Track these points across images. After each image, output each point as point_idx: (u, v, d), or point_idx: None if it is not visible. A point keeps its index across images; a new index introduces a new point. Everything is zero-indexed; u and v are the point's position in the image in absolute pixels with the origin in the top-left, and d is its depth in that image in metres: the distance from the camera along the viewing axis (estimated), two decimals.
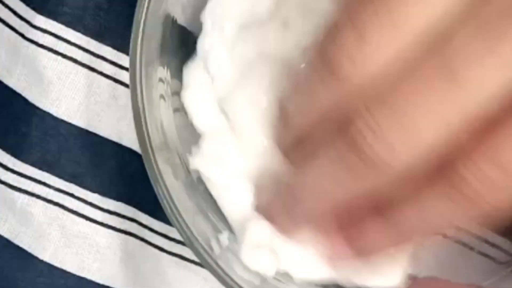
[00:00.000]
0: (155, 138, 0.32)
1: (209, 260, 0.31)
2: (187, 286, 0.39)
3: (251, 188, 0.33)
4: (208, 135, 0.33)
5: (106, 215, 0.39)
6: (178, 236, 0.39)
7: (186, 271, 0.39)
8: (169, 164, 0.32)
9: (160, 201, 0.31)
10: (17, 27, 0.37)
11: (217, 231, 0.34)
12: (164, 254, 0.39)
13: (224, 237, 0.34)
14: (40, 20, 0.37)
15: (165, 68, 0.33)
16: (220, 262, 0.32)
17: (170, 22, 0.33)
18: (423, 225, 0.26)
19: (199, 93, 0.33)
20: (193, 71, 0.33)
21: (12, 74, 0.38)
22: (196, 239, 0.31)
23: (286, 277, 0.34)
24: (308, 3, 0.33)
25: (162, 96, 0.33)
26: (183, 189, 0.33)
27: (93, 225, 0.39)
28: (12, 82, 0.38)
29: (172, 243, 0.39)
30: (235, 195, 0.33)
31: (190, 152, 0.33)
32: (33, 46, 0.37)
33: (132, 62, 0.31)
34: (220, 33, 0.33)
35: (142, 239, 0.39)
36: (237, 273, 0.32)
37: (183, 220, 0.31)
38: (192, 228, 0.31)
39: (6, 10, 0.38)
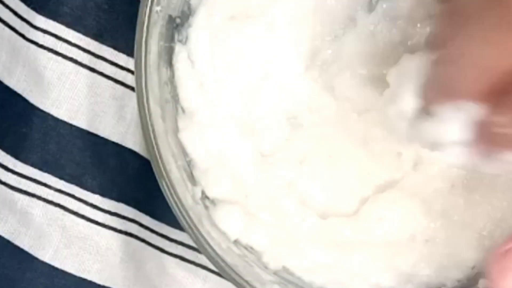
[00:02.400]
0: (164, 145, 0.32)
1: (182, 210, 0.32)
2: (187, 286, 0.39)
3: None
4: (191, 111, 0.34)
5: (107, 216, 0.39)
6: (178, 237, 0.39)
7: (186, 272, 0.38)
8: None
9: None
10: (17, 28, 0.37)
11: (193, 183, 0.34)
12: (165, 255, 0.39)
13: (198, 189, 0.34)
14: (41, 21, 0.37)
15: (168, 70, 0.34)
16: (191, 213, 0.32)
17: (173, 23, 0.33)
18: None
19: (185, 72, 0.34)
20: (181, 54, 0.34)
21: (12, 74, 0.38)
22: (173, 187, 0.32)
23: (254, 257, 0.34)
24: (295, 14, 0.34)
25: (167, 100, 0.33)
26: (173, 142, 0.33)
27: (94, 226, 0.39)
28: (13, 83, 0.38)
29: (172, 244, 0.38)
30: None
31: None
32: (34, 47, 0.37)
33: (138, 64, 0.31)
34: (209, 19, 0.34)
35: (143, 240, 0.39)
36: (205, 228, 0.32)
37: (164, 168, 0.32)
38: (171, 175, 0.32)
39: (7, 11, 0.38)
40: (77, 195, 0.38)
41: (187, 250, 0.39)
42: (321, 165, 0.35)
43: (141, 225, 0.39)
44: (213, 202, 0.34)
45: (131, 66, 0.37)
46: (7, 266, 0.39)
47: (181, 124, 0.34)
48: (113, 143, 0.38)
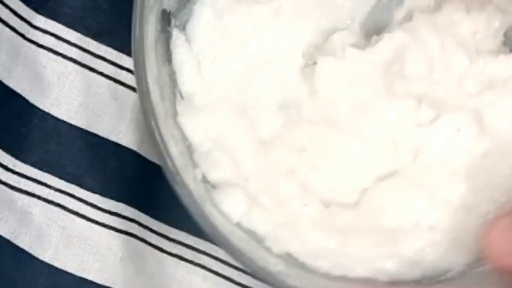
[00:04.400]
0: (164, 127, 0.32)
1: (185, 189, 0.31)
2: (186, 286, 0.39)
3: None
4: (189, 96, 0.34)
5: (107, 215, 0.39)
6: (177, 237, 0.39)
7: (185, 271, 0.38)
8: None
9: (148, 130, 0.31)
10: (17, 28, 0.38)
11: (193, 165, 0.34)
12: (164, 255, 0.39)
13: (199, 172, 0.34)
14: (40, 21, 0.37)
15: (166, 54, 0.34)
16: (194, 194, 0.32)
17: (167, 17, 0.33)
18: None
19: (183, 55, 0.34)
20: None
21: (12, 74, 0.38)
22: (176, 167, 0.31)
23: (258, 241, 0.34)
24: (303, 4, 0.34)
25: (166, 84, 0.33)
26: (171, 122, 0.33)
27: (94, 225, 0.39)
28: (12, 83, 0.38)
29: (172, 243, 0.39)
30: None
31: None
32: (33, 47, 0.37)
33: (136, 47, 0.31)
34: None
35: (143, 240, 0.39)
36: (208, 209, 0.32)
37: (166, 148, 0.31)
38: (174, 159, 0.31)
39: (7, 11, 0.38)
40: (77, 195, 0.38)
41: (186, 249, 0.39)
42: (319, 158, 0.35)
43: (141, 224, 0.39)
44: (213, 185, 0.34)
45: (131, 66, 0.37)
46: (7, 266, 0.39)
47: (179, 108, 0.34)
48: (113, 143, 0.38)
